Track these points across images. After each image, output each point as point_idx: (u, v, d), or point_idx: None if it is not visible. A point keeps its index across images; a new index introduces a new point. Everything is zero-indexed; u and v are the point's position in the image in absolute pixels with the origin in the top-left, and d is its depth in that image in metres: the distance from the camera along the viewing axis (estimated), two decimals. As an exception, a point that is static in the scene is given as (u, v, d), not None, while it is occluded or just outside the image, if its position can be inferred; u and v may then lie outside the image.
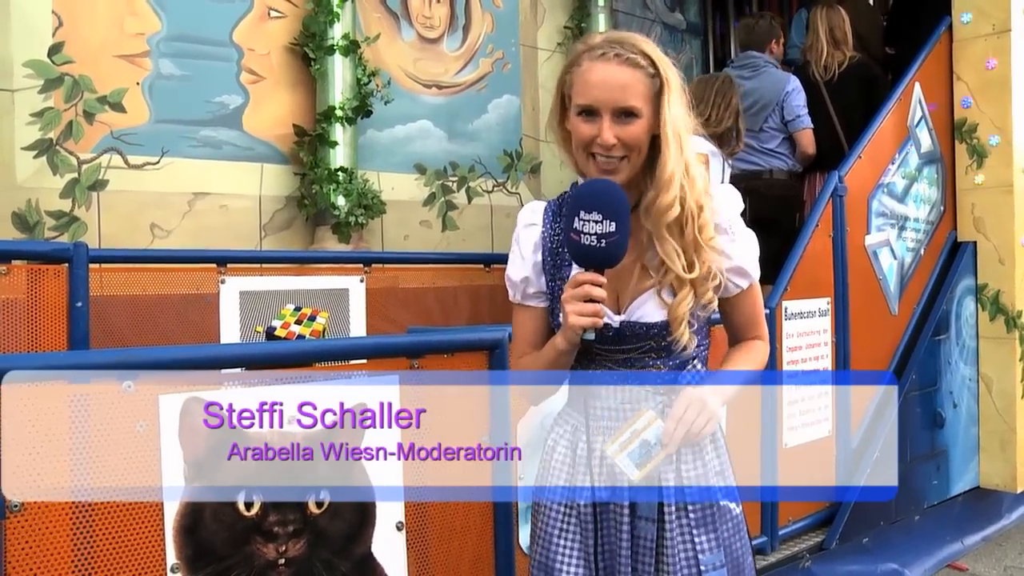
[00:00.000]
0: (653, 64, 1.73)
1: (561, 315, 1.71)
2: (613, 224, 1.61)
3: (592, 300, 1.64)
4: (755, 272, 1.87)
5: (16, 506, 1.70)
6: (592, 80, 1.71)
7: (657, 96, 1.73)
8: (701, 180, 1.77)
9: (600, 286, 1.65)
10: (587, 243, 1.62)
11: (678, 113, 1.75)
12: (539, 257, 1.86)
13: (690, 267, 1.73)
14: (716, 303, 1.81)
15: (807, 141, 4.88)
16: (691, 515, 1.77)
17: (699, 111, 4.12)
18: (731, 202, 1.86)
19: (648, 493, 1.76)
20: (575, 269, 1.73)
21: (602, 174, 1.72)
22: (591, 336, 1.67)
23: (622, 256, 1.66)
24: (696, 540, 1.77)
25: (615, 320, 1.76)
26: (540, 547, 1.86)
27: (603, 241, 1.61)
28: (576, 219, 1.63)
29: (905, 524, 4.60)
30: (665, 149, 1.72)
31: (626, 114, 1.70)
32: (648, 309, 1.76)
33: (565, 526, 1.83)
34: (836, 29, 5.06)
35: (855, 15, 5.22)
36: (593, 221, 1.61)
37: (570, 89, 1.77)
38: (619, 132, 1.70)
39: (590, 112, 1.72)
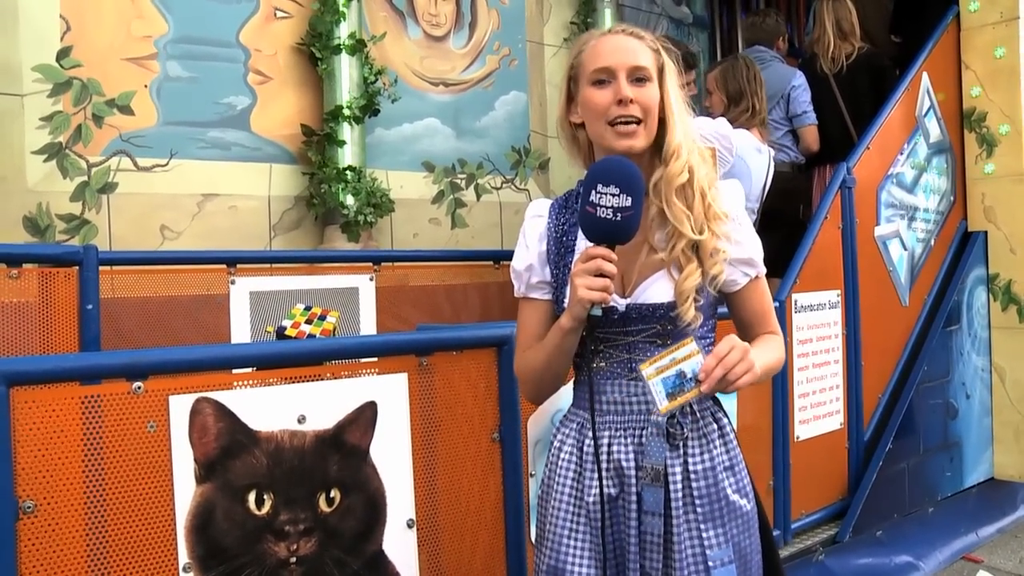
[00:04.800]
0: (654, 43, 1.83)
1: (569, 290, 1.71)
2: (629, 199, 1.62)
3: (602, 275, 1.63)
4: (761, 264, 1.88)
5: (29, 508, 1.71)
6: (605, 48, 1.79)
7: (660, 72, 1.81)
8: (707, 165, 1.83)
9: (611, 262, 1.64)
10: (603, 216, 1.63)
11: (677, 92, 1.83)
12: (544, 247, 1.87)
13: (699, 231, 1.75)
14: (723, 277, 1.79)
15: (812, 138, 4.87)
16: (698, 510, 1.74)
17: (741, 108, 4.12)
18: (735, 193, 1.88)
19: (654, 489, 1.73)
20: (579, 255, 1.74)
21: (619, 137, 1.75)
22: (598, 312, 1.65)
23: (635, 232, 1.67)
24: (704, 535, 1.73)
25: (621, 303, 1.76)
26: (550, 549, 1.82)
27: (619, 215, 1.62)
28: (593, 192, 1.64)
29: (919, 516, 4.58)
30: (670, 120, 1.79)
31: (639, 78, 1.77)
32: (655, 290, 1.76)
33: (575, 526, 1.80)
34: (843, 21, 5.03)
35: (861, 6, 5.20)
36: (610, 194, 1.62)
37: (579, 70, 1.83)
38: (635, 93, 1.75)
39: (604, 79, 1.77)
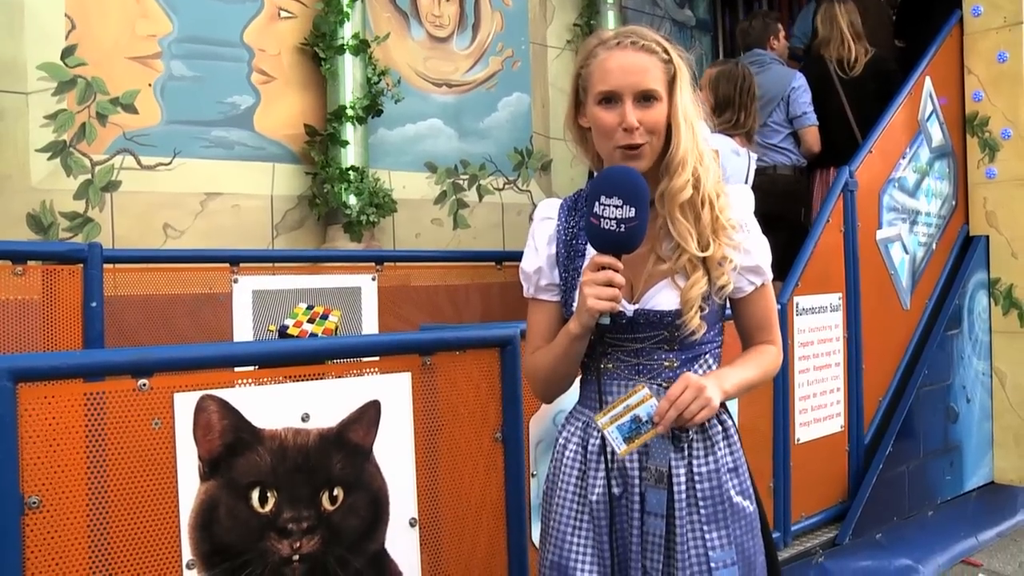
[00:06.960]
0: (666, 51, 1.78)
1: (577, 298, 1.72)
2: (633, 209, 1.62)
3: (611, 284, 1.64)
4: (768, 272, 1.88)
5: (34, 503, 1.72)
6: (612, 67, 1.75)
7: (671, 82, 1.77)
8: (714, 172, 1.81)
9: (617, 271, 1.65)
10: (607, 227, 1.63)
11: (688, 100, 1.79)
12: (553, 249, 1.87)
13: (704, 248, 1.75)
14: (730, 287, 1.80)
15: (812, 139, 4.87)
16: (702, 511, 1.75)
17: (726, 117, 4.11)
18: (745, 201, 1.88)
19: (657, 490, 1.75)
20: (588, 261, 1.75)
21: (626, 159, 1.74)
22: (606, 321, 1.67)
23: (640, 242, 1.67)
24: (707, 537, 1.74)
25: (629, 309, 1.76)
26: (553, 546, 1.84)
27: (623, 226, 1.62)
28: (596, 204, 1.64)
29: (919, 520, 4.59)
30: (677, 133, 1.76)
31: (646, 97, 1.74)
32: (662, 297, 1.76)
33: (578, 524, 1.81)
34: (853, 24, 5.03)
35: (864, 10, 5.20)
36: (613, 206, 1.62)
37: (587, 81, 1.80)
38: (641, 116, 1.73)
39: (611, 99, 1.75)
